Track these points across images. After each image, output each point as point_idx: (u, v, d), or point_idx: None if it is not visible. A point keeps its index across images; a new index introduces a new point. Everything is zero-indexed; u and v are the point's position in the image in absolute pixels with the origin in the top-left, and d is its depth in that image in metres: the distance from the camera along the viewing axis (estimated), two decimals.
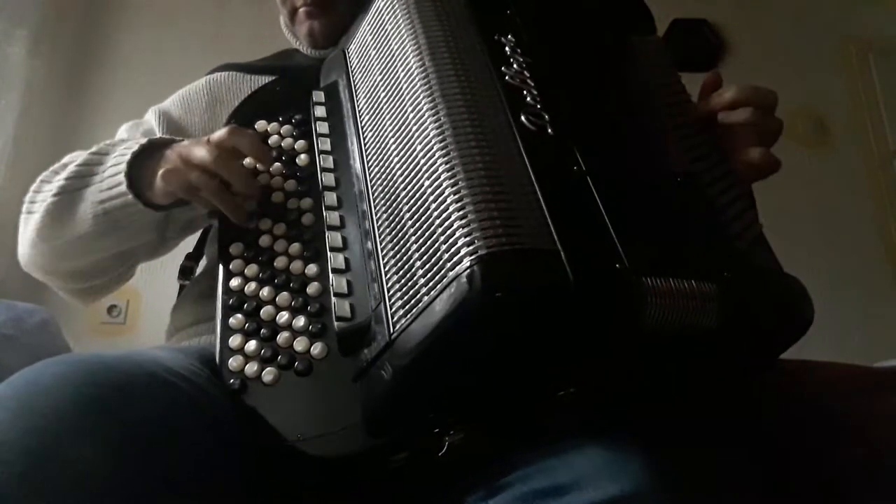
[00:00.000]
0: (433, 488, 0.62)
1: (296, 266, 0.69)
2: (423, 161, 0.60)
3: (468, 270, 0.51)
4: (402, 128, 0.64)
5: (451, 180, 0.56)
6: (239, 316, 0.67)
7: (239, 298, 0.68)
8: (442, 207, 0.56)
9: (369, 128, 0.71)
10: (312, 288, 0.67)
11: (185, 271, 0.95)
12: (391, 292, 0.59)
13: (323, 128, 0.78)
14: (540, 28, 0.71)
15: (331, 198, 0.72)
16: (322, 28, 0.96)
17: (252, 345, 0.65)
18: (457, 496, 0.60)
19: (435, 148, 0.59)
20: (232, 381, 0.63)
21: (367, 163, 0.69)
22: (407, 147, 0.63)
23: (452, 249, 0.53)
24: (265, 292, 0.68)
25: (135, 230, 0.82)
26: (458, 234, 0.53)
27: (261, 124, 0.81)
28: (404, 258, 0.59)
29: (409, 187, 0.61)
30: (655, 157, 0.67)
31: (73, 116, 2.09)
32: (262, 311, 0.67)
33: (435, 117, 0.61)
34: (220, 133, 0.73)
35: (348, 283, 0.65)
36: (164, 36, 2.21)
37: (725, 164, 0.68)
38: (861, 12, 2.36)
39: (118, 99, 2.11)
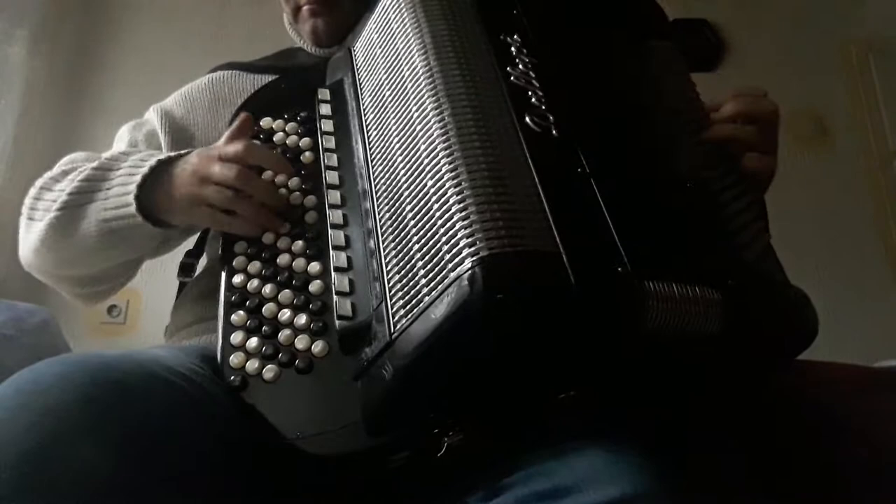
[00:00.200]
0: (432, 489, 0.61)
1: (298, 264, 0.69)
2: (426, 161, 0.60)
3: (470, 271, 0.51)
4: (407, 127, 0.64)
5: (455, 181, 0.56)
6: (241, 313, 0.67)
7: (241, 295, 0.68)
8: (445, 208, 0.56)
9: (374, 126, 0.71)
10: (314, 286, 0.67)
11: (186, 268, 0.95)
12: (393, 291, 0.59)
13: (328, 125, 0.78)
14: (546, 29, 0.71)
15: (334, 196, 0.72)
16: (325, 27, 0.97)
17: (253, 342, 0.65)
18: (456, 497, 0.60)
19: (439, 148, 0.59)
20: (232, 377, 0.63)
21: (371, 161, 0.69)
22: (411, 146, 0.63)
23: (454, 250, 0.53)
24: (267, 289, 0.68)
25: (138, 243, 0.83)
26: (460, 235, 0.53)
27: (266, 121, 0.81)
28: (406, 257, 0.59)
29: (412, 187, 0.61)
30: (665, 161, 0.67)
31: (73, 116, 2.09)
32: (263, 308, 0.67)
33: (439, 117, 0.61)
34: (234, 148, 0.73)
35: (350, 281, 0.65)
36: (164, 36, 2.21)
37: (737, 174, 0.68)
38: (861, 13, 2.36)
39: (118, 99, 2.10)
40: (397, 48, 0.69)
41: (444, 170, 0.57)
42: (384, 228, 0.63)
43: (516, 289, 0.51)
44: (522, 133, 0.60)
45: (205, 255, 0.98)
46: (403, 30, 0.69)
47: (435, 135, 0.60)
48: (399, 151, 0.64)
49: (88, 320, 1.91)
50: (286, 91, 0.85)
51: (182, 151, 0.80)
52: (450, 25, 0.67)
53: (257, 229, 0.72)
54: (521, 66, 0.66)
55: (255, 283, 0.69)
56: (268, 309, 0.67)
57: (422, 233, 0.58)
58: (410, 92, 0.65)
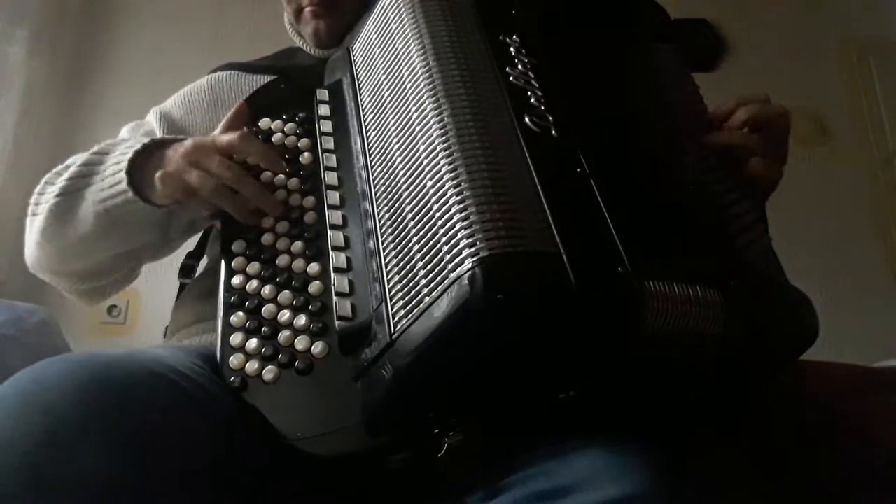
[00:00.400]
0: (432, 489, 0.61)
1: (298, 264, 0.69)
2: (426, 161, 0.60)
3: (470, 272, 0.51)
4: (406, 127, 0.64)
5: (454, 181, 0.56)
6: (240, 314, 0.67)
7: (240, 296, 0.68)
8: (444, 208, 0.56)
9: (373, 127, 0.71)
10: (314, 287, 0.67)
11: (186, 270, 0.95)
12: (392, 292, 0.59)
13: (327, 126, 0.78)
14: (545, 29, 0.71)
15: (333, 196, 0.72)
16: (327, 28, 0.96)
17: (253, 343, 0.65)
18: (456, 497, 0.60)
19: (438, 148, 0.59)
20: (232, 378, 0.63)
21: (371, 162, 0.69)
22: (410, 147, 0.63)
23: (454, 251, 0.53)
24: (267, 290, 0.68)
25: (136, 229, 0.82)
26: (460, 236, 0.53)
27: (265, 121, 0.81)
28: (406, 258, 0.59)
29: (411, 187, 0.61)
30: (666, 163, 0.67)
31: (73, 116, 2.09)
32: (263, 309, 0.67)
33: (438, 117, 0.60)
34: (229, 138, 0.73)
35: (350, 282, 0.65)
36: (164, 36, 2.21)
37: (740, 177, 0.68)
38: (861, 13, 2.36)
39: (118, 99, 2.10)
40: (396, 48, 0.69)
41: (443, 170, 0.57)
42: (384, 229, 0.63)
43: (516, 289, 0.51)
44: (522, 133, 0.60)
45: (205, 255, 0.98)
46: (402, 30, 0.69)
47: (434, 135, 0.60)
48: (398, 152, 0.64)
49: (88, 320, 1.91)
50: (285, 91, 0.85)
51: (178, 136, 0.80)
52: (449, 26, 0.67)
53: (242, 212, 0.72)
54: (520, 67, 0.66)
55: (254, 284, 0.69)
56: (267, 310, 0.67)
57: (421, 233, 0.58)
58: (409, 92, 0.65)
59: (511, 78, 0.65)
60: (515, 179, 0.57)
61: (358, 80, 0.77)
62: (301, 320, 0.66)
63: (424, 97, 0.63)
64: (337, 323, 0.63)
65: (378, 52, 0.74)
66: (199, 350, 0.70)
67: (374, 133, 0.70)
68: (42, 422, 0.49)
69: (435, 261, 0.55)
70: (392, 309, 0.58)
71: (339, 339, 0.63)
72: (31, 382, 0.52)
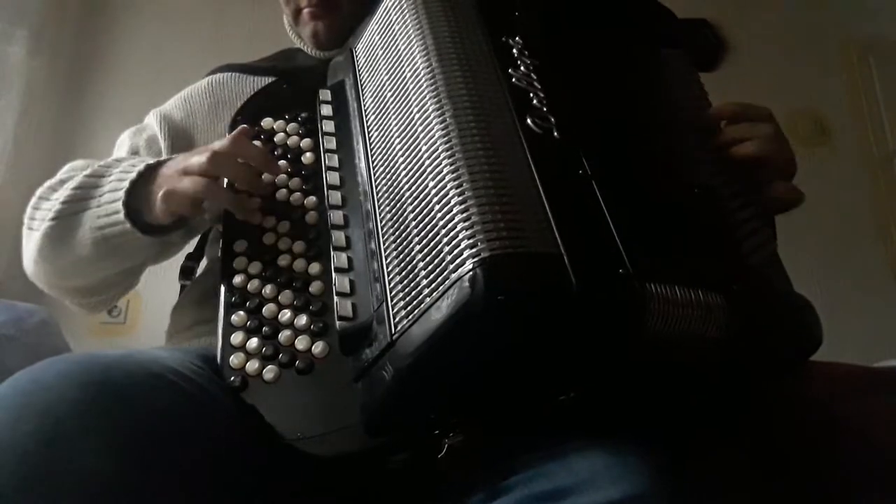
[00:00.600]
0: (432, 490, 0.61)
1: (299, 264, 0.69)
2: (427, 162, 0.60)
3: (471, 273, 0.51)
4: (408, 128, 0.64)
5: (456, 182, 0.56)
6: (241, 313, 0.67)
7: (241, 296, 0.68)
8: (446, 209, 0.56)
9: (375, 127, 0.71)
10: (315, 286, 0.67)
11: (186, 271, 0.95)
12: (393, 293, 0.59)
13: (329, 126, 0.78)
14: (548, 31, 0.70)
15: (335, 196, 0.72)
16: (326, 29, 0.96)
17: (253, 342, 0.65)
18: (456, 498, 0.60)
19: (440, 149, 0.59)
20: (233, 378, 0.63)
21: (373, 162, 0.69)
22: (412, 148, 0.63)
23: (455, 251, 0.53)
24: (268, 290, 0.68)
25: (135, 252, 0.82)
26: (461, 237, 0.53)
27: (267, 121, 0.81)
28: (407, 259, 0.59)
29: (413, 188, 0.61)
30: (671, 165, 0.67)
31: (73, 116, 2.09)
32: (264, 308, 0.67)
33: (441, 118, 0.61)
34: (221, 143, 0.73)
35: (351, 282, 0.65)
36: (164, 36, 2.20)
37: (746, 182, 0.68)
38: (861, 13, 2.36)
39: (118, 99, 2.10)
40: (399, 49, 0.69)
41: (445, 170, 0.57)
42: (385, 229, 0.63)
43: (517, 290, 0.51)
44: (524, 134, 0.60)
45: (205, 257, 0.98)
46: (405, 31, 0.69)
47: (437, 135, 0.60)
48: (400, 152, 0.64)
49: (88, 321, 1.90)
50: (287, 92, 0.85)
51: (172, 156, 0.79)
52: (451, 27, 0.67)
53: (242, 210, 0.72)
54: (522, 68, 0.66)
55: (255, 283, 0.69)
56: (268, 309, 0.67)
57: (423, 234, 0.58)
58: (412, 93, 0.65)
59: (513, 79, 0.65)
60: (517, 180, 0.57)
61: (360, 80, 0.77)
62: (302, 320, 0.66)
63: (427, 98, 0.63)
64: (338, 323, 0.63)
65: (381, 52, 0.74)
66: (198, 351, 0.70)
67: (376, 133, 0.70)
68: (41, 422, 0.49)
69: (436, 261, 0.55)
70: (393, 309, 0.58)
71: (340, 339, 0.63)
72: (31, 383, 0.52)
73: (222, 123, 0.92)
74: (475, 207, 0.54)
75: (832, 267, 2.01)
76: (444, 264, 0.54)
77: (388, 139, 0.68)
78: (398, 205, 0.62)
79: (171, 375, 0.58)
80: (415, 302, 0.56)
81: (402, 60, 0.69)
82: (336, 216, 0.70)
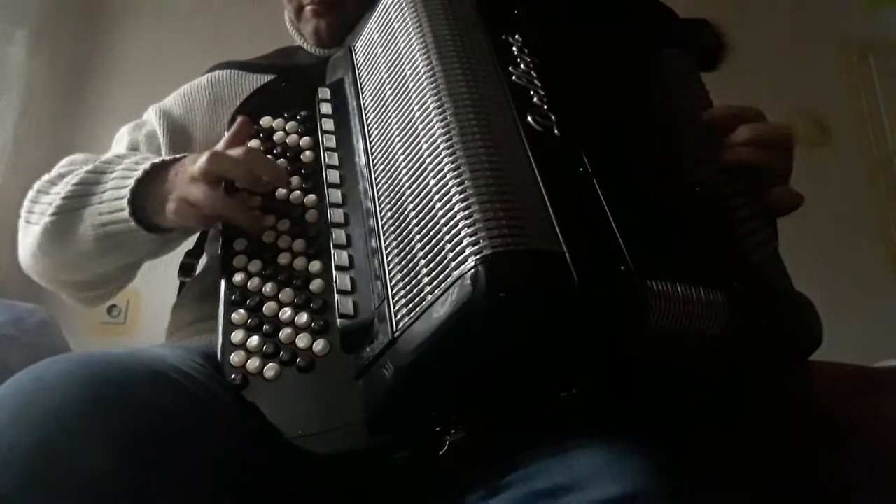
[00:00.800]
0: (434, 487, 0.61)
1: (299, 262, 0.69)
2: (428, 160, 0.60)
3: (472, 270, 0.51)
4: (408, 126, 0.64)
5: (457, 179, 0.56)
6: (241, 311, 0.67)
7: (242, 294, 0.68)
8: (447, 207, 0.56)
9: (375, 125, 0.71)
10: (315, 285, 0.67)
11: (186, 268, 0.95)
12: (395, 290, 0.59)
13: (328, 125, 0.78)
14: (548, 29, 0.70)
15: (335, 195, 0.72)
16: (328, 27, 0.96)
17: (254, 340, 0.65)
18: (457, 495, 0.60)
19: (441, 147, 0.59)
20: (233, 376, 0.63)
21: (373, 160, 0.69)
22: (412, 145, 0.63)
23: (457, 249, 0.53)
24: (268, 288, 0.68)
25: (136, 248, 0.82)
26: (462, 234, 0.53)
27: (266, 120, 0.81)
28: (408, 256, 0.59)
29: (414, 186, 0.61)
30: (672, 164, 0.67)
31: (73, 116, 2.09)
32: (264, 306, 0.67)
33: (441, 116, 0.61)
34: (236, 153, 0.73)
35: (352, 280, 0.65)
36: (164, 36, 2.20)
37: (747, 181, 0.68)
38: (861, 13, 2.36)
39: (118, 99, 2.10)
40: (399, 47, 0.69)
41: (446, 168, 0.57)
42: (386, 227, 0.63)
43: (519, 287, 0.51)
44: (524, 132, 0.60)
45: (205, 254, 0.98)
46: (405, 29, 0.69)
47: (437, 133, 0.60)
48: (401, 150, 0.64)
49: (88, 320, 1.91)
50: (286, 90, 0.84)
51: (178, 155, 0.79)
52: (451, 25, 0.67)
53: (255, 227, 0.72)
54: (522, 66, 0.66)
55: (255, 281, 0.69)
56: (268, 307, 0.67)
57: (424, 231, 0.58)
58: (412, 90, 0.65)
59: (513, 77, 0.65)
60: (518, 178, 0.57)
61: (360, 78, 0.77)
62: (302, 318, 0.65)
63: (427, 95, 0.63)
64: (339, 321, 0.63)
65: (380, 50, 0.74)
66: (199, 349, 0.70)
67: (376, 131, 0.70)
68: (43, 421, 0.49)
69: (437, 259, 0.55)
70: (394, 307, 0.58)
71: (341, 337, 0.63)
72: (33, 382, 0.52)
73: (221, 121, 0.92)
74: (477, 205, 0.54)
75: (832, 267, 2.01)
76: (445, 261, 0.54)
77: (388, 137, 0.68)
78: (399, 202, 0.62)
79: (172, 374, 0.58)
80: (416, 299, 0.56)
81: (401, 58, 0.69)
82: (336, 214, 0.70)
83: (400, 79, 0.68)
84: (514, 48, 0.67)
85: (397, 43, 0.70)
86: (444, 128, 0.60)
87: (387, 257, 0.62)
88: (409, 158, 0.63)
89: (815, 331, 0.60)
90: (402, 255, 0.60)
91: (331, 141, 0.77)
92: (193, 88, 1.00)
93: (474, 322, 0.51)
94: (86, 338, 1.85)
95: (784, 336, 0.60)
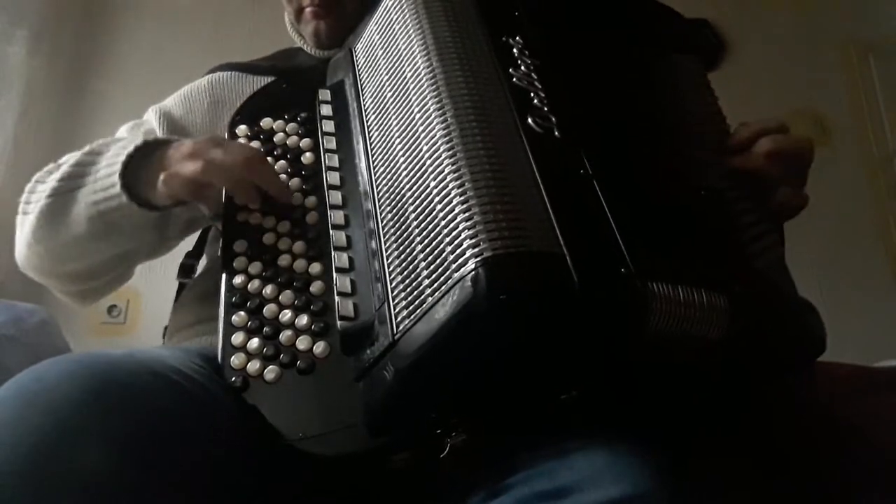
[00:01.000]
0: (434, 489, 0.61)
1: (299, 264, 0.69)
2: (428, 161, 0.60)
3: (472, 272, 0.51)
4: (409, 127, 0.64)
5: (457, 181, 0.56)
6: (242, 313, 0.67)
7: (242, 296, 0.68)
8: (448, 208, 0.56)
9: (375, 127, 0.71)
10: (316, 286, 0.67)
11: (186, 269, 0.95)
12: (395, 292, 0.59)
13: (329, 126, 0.78)
14: (548, 31, 0.70)
15: (335, 196, 0.72)
16: (328, 29, 0.96)
17: (254, 342, 0.65)
18: (458, 497, 0.60)
19: (441, 148, 0.59)
20: (234, 378, 0.63)
21: (373, 162, 0.69)
22: (413, 147, 0.63)
23: (458, 251, 0.53)
24: (268, 290, 0.68)
25: (132, 232, 0.81)
26: (463, 236, 0.53)
27: (266, 121, 0.81)
28: (409, 258, 0.59)
29: (414, 187, 0.61)
30: (677, 167, 0.67)
31: (73, 116, 2.09)
32: (265, 308, 0.67)
33: (442, 117, 0.61)
34: (242, 149, 0.73)
35: (352, 282, 0.65)
36: (164, 36, 2.21)
37: (754, 187, 0.68)
38: (861, 13, 2.36)
39: (118, 99, 2.10)
40: (399, 49, 0.69)
41: (447, 170, 0.57)
42: (386, 229, 0.63)
43: (519, 289, 0.51)
44: (525, 134, 0.60)
45: (204, 255, 0.97)
46: (405, 31, 0.69)
47: (438, 135, 0.60)
48: (401, 152, 0.64)
49: (88, 320, 1.91)
50: (287, 92, 0.84)
51: (172, 137, 0.78)
52: (452, 27, 0.67)
53: (249, 195, 0.72)
54: (523, 68, 0.66)
55: (255, 283, 0.68)
56: (269, 309, 0.67)
57: (424, 233, 0.58)
58: (413, 92, 0.65)
59: (514, 79, 0.65)
60: (518, 180, 0.57)
61: (360, 80, 0.77)
62: (303, 320, 0.65)
63: (427, 97, 0.63)
64: (339, 323, 0.63)
65: (381, 52, 0.74)
66: (199, 350, 0.70)
67: (376, 133, 0.70)
68: (44, 422, 0.49)
69: (438, 261, 0.55)
70: (395, 309, 0.58)
71: (341, 339, 0.63)
72: (33, 382, 0.52)
73: (222, 122, 0.92)
74: (477, 206, 0.54)
75: (832, 267, 2.01)
76: (446, 263, 0.54)
77: (388, 139, 0.68)
78: (399, 204, 0.62)
79: (172, 375, 0.58)
80: (417, 301, 0.56)
81: (402, 60, 0.69)
82: (337, 216, 0.70)
83: (400, 80, 0.68)
84: (515, 50, 0.67)
85: (398, 44, 0.70)
86: (444, 129, 0.60)
87: (387, 259, 0.62)
88: (409, 160, 0.63)
89: (817, 336, 0.60)
90: (403, 256, 0.60)
91: (331, 143, 0.77)
92: (194, 90, 1.00)
93: (475, 324, 0.51)
94: (86, 338, 1.85)
95: (786, 341, 0.60)
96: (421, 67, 0.65)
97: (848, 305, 1.90)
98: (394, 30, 0.71)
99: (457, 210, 0.55)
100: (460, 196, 0.55)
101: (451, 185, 0.56)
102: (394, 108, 0.68)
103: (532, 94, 0.64)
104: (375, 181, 0.68)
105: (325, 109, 0.80)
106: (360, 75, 0.78)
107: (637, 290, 0.52)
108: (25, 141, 1.89)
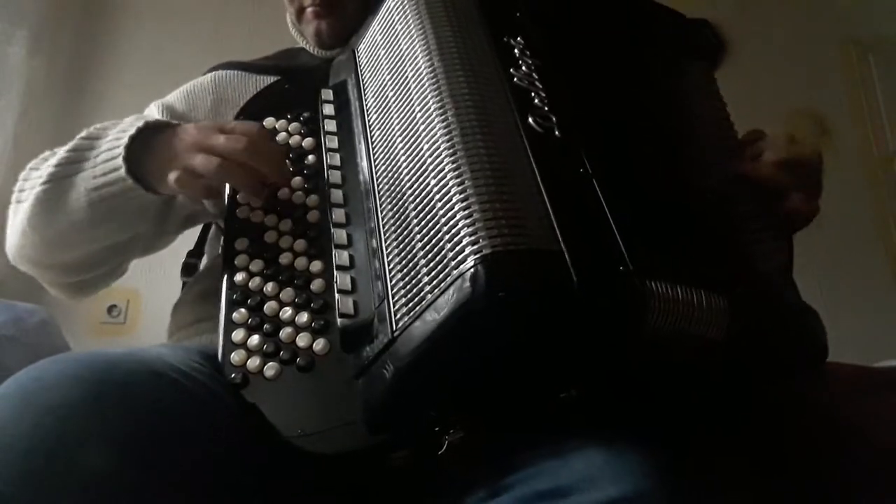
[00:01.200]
0: (433, 488, 0.61)
1: (300, 262, 0.69)
2: (429, 160, 0.60)
3: (472, 270, 0.51)
4: (410, 127, 0.65)
5: (458, 180, 0.56)
6: (242, 311, 0.67)
7: (243, 293, 0.68)
8: (447, 207, 0.56)
9: (377, 126, 0.71)
10: (316, 284, 0.67)
11: (189, 268, 0.95)
12: (395, 290, 0.59)
13: (331, 126, 0.78)
14: (549, 32, 0.71)
15: (337, 195, 0.72)
16: (329, 28, 0.96)
17: (255, 339, 0.65)
18: (457, 496, 0.60)
19: (442, 147, 0.59)
20: (233, 375, 0.63)
21: (374, 161, 0.70)
22: (414, 146, 0.63)
23: (457, 249, 0.53)
24: (269, 288, 0.68)
25: (130, 218, 0.80)
26: (462, 234, 0.53)
27: (269, 121, 0.81)
28: (409, 256, 0.59)
29: (415, 186, 0.61)
30: (681, 168, 0.67)
31: (73, 116, 2.09)
32: (265, 306, 0.67)
33: (443, 117, 0.61)
34: (245, 128, 0.72)
35: (352, 280, 0.65)
36: (164, 36, 2.20)
37: (761, 194, 0.68)
38: (861, 13, 2.36)
39: (118, 99, 2.10)
40: (401, 49, 0.70)
41: (447, 168, 0.58)
42: (387, 227, 0.63)
43: (518, 287, 0.51)
44: (525, 133, 0.60)
45: (205, 254, 0.97)
46: (407, 31, 0.69)
47: (438, 134, 0.60)
48: (402, 151, 0.65)
49: (88, 320, 1.91)
50: (289, 91, 0.85)
51: (172, 121, 0.77)
52: (453, 27, 0.68)
53: (256, 190, 0.71)
54: (523, 68, 0.66)
55: (256, 281, 0.69)
56: (269, 307, 0.67)
57: (424, 231, 0.58)
58: (414, 92, 0.65)
59: (515, 79, 0.65)
60: (518, 178, 0.57)
61: (363, 80, 0.77)
62: (303, 317, 0.66)
63: (429, 97, 0.63)
64: (339, 320, 0.63)
65: (383, 52, 0.74)
66: (199, 348, 0.70)
67: (378, 132, 0.71)
68: (43, 421, 0.49)
69: (437, 258, 0.55)
70: (394, 307, 0.58)
71: (341, 337, 0.63)
72: (33, 381, 0.52)
73: (225, 120, 0.92)
74: (477, 204, 0.54)
75: (832, 267, 2.01)
76: (445, 261, 0.54)
77: (389, 138, 0.68)
78: (400, 203, 0.63)
79: (172, 373, 0.58)
80: (416, 299, 0.56)
81: (404, 60, 0.69)
82: (338, 214, 0.71)
83: (402, 80, 0.68)
84: (516, 50, 0.68)
85: (400, 44, 0.70)
86: (445, 128, 0.60)
87: (387, 257, 0.62)
88: (410, 159, 0.63)
89: (818, 340, 0.60)
90: (403, 254, 0.60)
91: (333, 142, 0.77)
92: (197, 87, 1.00)
93: (473, 321, 0.51)
94: (86, 338, 1.85)
95: (786, 342, 0.60)
96: (422, 67, 0.65)
97: (848, 305, 1.90)
98: (396, 30, 0.71)
99: (457, 208, 0.55)
100: (460, 194, 0.55)
101: (451, 184, 0.56)
102: (395, 107, 0.68)
103: (533, 94, 0.64)
104: (376, 179, 0.68)
105: (328, 109, 0.80)
106: (362, 75, 0.78)
107: (636, 288, 0.52)
108: (25, 141, 1.89)
